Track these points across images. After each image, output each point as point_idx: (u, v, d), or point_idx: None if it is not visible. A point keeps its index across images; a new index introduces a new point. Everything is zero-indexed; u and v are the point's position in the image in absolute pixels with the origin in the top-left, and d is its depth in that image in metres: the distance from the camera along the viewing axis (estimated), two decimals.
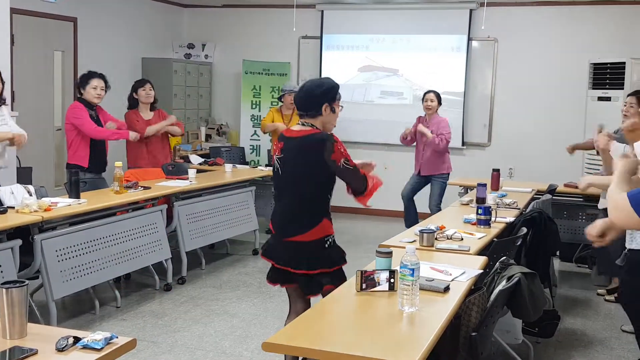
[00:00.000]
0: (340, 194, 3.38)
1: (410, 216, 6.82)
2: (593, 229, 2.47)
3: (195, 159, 7.26)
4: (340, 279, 3.12)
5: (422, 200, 6.99)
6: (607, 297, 5.24)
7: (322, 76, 8.63)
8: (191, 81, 8.97)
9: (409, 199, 6.87)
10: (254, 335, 4.31)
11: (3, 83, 4.73)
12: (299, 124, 3.18)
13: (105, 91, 5.48)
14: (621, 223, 1.86)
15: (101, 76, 5.45)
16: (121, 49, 8.23)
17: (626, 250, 3.37)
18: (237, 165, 6.93)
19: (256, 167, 7.09)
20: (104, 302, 4.84)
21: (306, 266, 3.10)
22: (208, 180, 5.97)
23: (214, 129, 9.08)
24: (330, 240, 3.17)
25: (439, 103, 6.72)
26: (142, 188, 5.12)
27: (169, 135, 6.17)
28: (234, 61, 9.11)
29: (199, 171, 6.20)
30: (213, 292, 5.22)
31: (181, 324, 4.48)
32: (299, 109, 3.18)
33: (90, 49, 7.61)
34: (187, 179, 5.71)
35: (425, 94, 6.80)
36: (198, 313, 4.71)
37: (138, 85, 5.99)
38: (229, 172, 6.48)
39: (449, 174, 6.76)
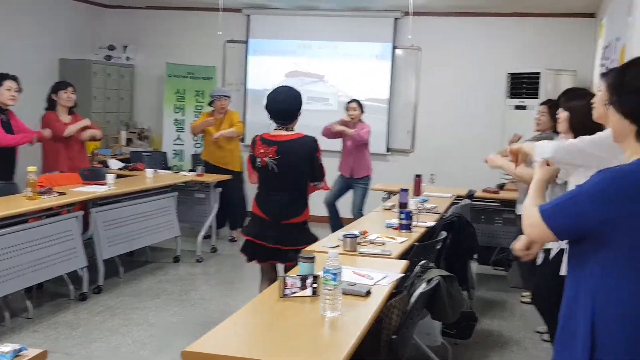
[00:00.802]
0: None
1: (336, 221, 6.89)
2: (518, 244, 2.57)
3: (115, 164, 7.04)
4: None
5: (344, 205, 7.05)
6: (524, 299, 5.42)
7: (247, 81, 8.65)
8: (112, 83, 8.71)
9: (332, 204, 6.96)
10: (174, 344, 4.19)
11: None
12: (278, 128, 3.87)
13: (19, 93, 5.27)
14: (537, 238, 1.89)
15: (14, 78, 5.26)
16: (38, 49, 7.89)
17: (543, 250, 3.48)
18: (158, 171, 6.76)
19: (179, 172, 6.95)
20: (14, 313, 4.59)
21: (295, 243, 3.77)
22: (128, 186, 5.79)
23: (135, 133, 8.84)
24: (308, 222, 3.99)
25: (362, 111, 6.87)
26: (57, 194, 4.92)
27: (91, 139, 6.01)
28: (157, 64, 8.91)
29: (119, 176, 6.02)
30: (131, 301, 5.06)
31: (97, 335, 4.31)
32: (280, 120, 3.87)
33: (2, 49, 7.25)
34: (105, 184, 5.53)
35: (348, 103, 6.94)
36: (115, 323, 4.55)
37: (60, 87, 5.82)
38: (150, 177, 6.31)
39: (369, 176, 6.93)
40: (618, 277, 1.73)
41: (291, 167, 3.84)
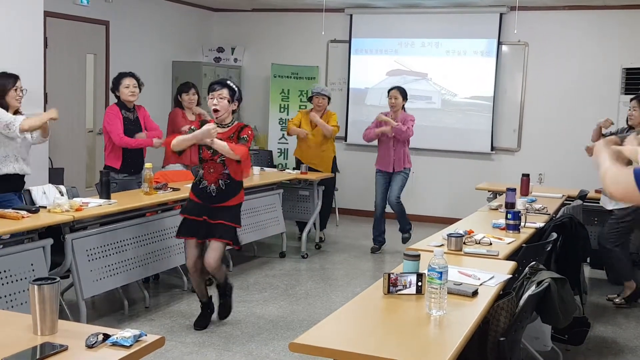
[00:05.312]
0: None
1: (404, 218, 6.76)
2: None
3: None
4: None
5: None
6: (617, 300, 5.20)
7: (349, 80, 8.70)
8: None
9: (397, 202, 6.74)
10: (281, 336, 4.32)
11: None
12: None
13: (140, 89, 5.41)
14: (619, 195, 1.88)
15: (131, 74, 5.37)
16: (152, 52, 8.34)
17: None
18: (265, 168, 6.95)
19: (284, 170, 7.11)
20: (133, 302, 4.89)
21: None
22: None
23: None
24: None
25: (404, 99, 6.54)
26: (171, 189, 5.17)
27: None
28: (262, 65, 9.16)
29: None
30: (240, 293, 5.24)
31: (221, 325, 4.50)
32: None
33: (122, 52, 7.72)
34: None
35: (389, 90, 6.59)
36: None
37: (183, 89, 6.12)
38: (256, 175, 6.49)
39: (410, 168, 6.67)
40: None
41: None
